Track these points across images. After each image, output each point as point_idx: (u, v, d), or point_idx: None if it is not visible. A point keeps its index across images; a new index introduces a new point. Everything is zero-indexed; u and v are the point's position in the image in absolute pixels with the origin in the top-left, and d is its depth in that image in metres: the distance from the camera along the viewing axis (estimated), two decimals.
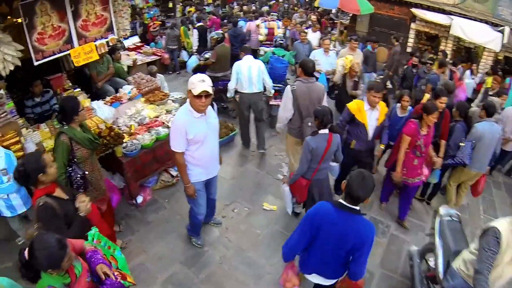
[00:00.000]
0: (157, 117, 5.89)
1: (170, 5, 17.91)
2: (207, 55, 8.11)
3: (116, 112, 5.99)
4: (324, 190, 4.51)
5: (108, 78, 7.23)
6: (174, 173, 5.93)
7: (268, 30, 11.53)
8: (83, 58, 5.69)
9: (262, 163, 6.82)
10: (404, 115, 5.69)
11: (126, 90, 6.41)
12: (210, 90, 3.51)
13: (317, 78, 6.42)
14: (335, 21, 16.18)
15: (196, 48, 10.35)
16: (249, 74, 6.32)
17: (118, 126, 5.56)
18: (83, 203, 3.17)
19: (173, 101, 6.91)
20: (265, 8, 19.10)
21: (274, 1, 21.08)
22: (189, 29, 11.69)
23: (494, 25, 10.59)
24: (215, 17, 13.70)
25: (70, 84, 6.58)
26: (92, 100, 6.17)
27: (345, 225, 2.73)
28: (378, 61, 12.30)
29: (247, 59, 6.37)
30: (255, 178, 6.37)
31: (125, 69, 9.63)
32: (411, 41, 13.23)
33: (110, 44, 6.85)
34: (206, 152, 3.99)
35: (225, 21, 12.36)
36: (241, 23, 12.02)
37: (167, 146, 4.53)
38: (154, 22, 15.40)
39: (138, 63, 10.48)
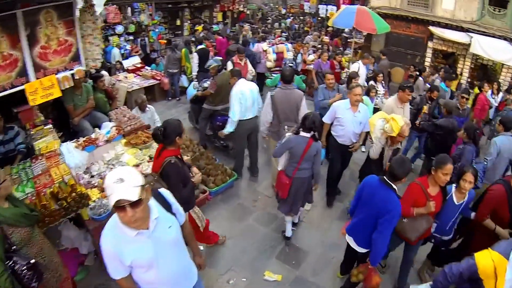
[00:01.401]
0: (138, 165, 5.03)
1: (178, 22, 17.27)
2: (206, 84, 7.18)
3: (91, 157, 5.15)
4: (303, 190, 4.78)
5: (87, 113, 6.23)
6: None
7: (276, 55, 10.33)
8: (41, 95, 4.78)
9: (266, 217, 5.74)
10: (461, 202, 3.99)
11: (104, 130, 5.60)
12: (135, 196, 2.09)
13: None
14: (349, 41, 15.56)
15: (195, 74, 9.44)
16: (252, 99, 5.96)
17: (92, 176, 4.79)
18: (198, 173, 4.09)
19: None
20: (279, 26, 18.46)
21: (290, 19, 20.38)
22: (190, 52, 10.63)
23: None
24: (220, 37, 12.89)
25: (42, 118, 5.75)
26: (69, 139, 5.43)
27: (379, 194, 3.42)
28: (393, 82, 11.58)
29: (243, 83, 5.93)
30: (257, 237, 5.31)
31: (123, 95, 9.08)
32: (428, 60, 12.50)
33: (93, 71, 6.15)
34: (162, 275, 2.48)
35: (231, 41, 11.69)
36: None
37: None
38: (160, 40, 14.93)
39: (133, 89, 9.82)
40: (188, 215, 3.97)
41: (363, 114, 5.37)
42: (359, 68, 8.97)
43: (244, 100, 5.80)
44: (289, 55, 10.32)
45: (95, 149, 5.24)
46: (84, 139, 5.29)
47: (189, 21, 17.55)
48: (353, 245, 3.84)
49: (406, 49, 12.96)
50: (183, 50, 10.61)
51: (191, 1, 17.22)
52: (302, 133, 4.41)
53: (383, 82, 8.19)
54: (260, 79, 9.94)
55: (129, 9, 13.76)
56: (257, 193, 6.31)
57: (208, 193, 5.69)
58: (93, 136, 5.41)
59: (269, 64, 10.24)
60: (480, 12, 11.12)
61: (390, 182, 3.36)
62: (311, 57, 10.97)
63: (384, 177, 3.43)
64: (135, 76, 10.89)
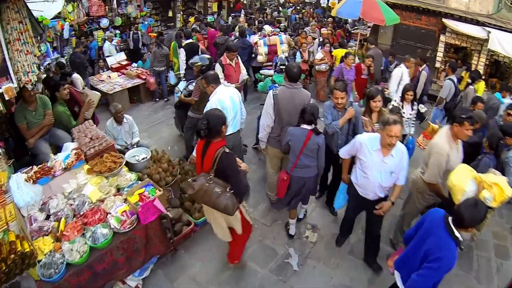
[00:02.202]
0: (102, 200, 4.05)
1: (170, 14, 16.12)
2: (192, 86, 6.10)
3: (47, 189, 4.20)
4: (304, 191, 4.50)
5: (44, 132, 5.12)
6: (133, 283, 4.07)
7: (268, 48, 9.11)
8: None
9: (263, 254, 4.74)
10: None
11: (64, 153, 4.60)
12: None
13: None
14: (352, 32, 14.51)
15: (183, 72, 8.40)
16: (234, 110, 4.87)
17: (48, 216, 3.84)
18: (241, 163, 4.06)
19: (130, 166, 4.97)
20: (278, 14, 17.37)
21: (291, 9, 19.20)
22: (180, 46, 9.21)
23: None
24: (213, 29, 11.80)
25: None
26: (25, 165, 4.46)
27: (436, 235, 2.86)
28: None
29: (222, 91, 4.79)
30: (253, 283, 4.34)
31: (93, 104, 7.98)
32: (440, 55, 11.40)
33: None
34: None
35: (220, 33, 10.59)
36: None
37: (114, 254, 3.64)
38: (149, 33, 13.84)
39: (115, 90, 8.82)
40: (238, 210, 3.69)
41: (397, 160, 3.73)
42: (403, 75, 7.60)
43: (227, 111, 4.64)
44: (282, 48, 9.11)
45: (52, 180, 4.29)
46: (37, 168, 4.29)
47: (181, 12, 16.38)
48: (399, 283, 3.23)
49: (416, 42, 11.87)
50: (172, 43, 9.54)
51: None
52: (303, 126, 4.21)
53: (414, 102, 6.04)
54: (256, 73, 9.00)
55: (114, 1, 12.60)
56: (252, 220, 5.30)
57: (194, 225, 4.75)
58: (49, 163, 4.42)
59: (260, 58, 9.15)
60: (497, 5, 10.13)
61: (454, 228, 2.78)
62: (319, 55, 9.57)
63: (450, 218, 2.85)
64: (119, 75, 9.90)
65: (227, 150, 3.38)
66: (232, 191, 3.40)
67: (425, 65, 8.60)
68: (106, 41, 11.69)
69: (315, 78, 10.02)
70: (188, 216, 4.82)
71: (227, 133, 4.68)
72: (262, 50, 9.09)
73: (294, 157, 4.26)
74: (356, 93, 7.86)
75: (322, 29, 11.72)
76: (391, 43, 12.39)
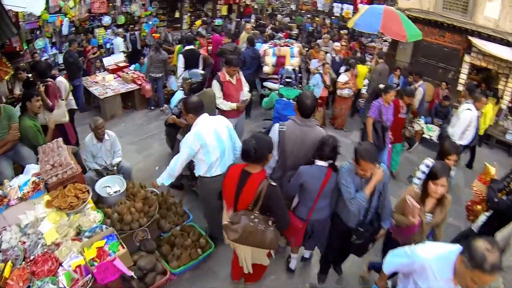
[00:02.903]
0: (58, 244, 3.23)
1: (177, 14, 15.38)
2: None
3: (1, 219, 3.45)
4: (322, 234, 3.84)
5: (7, 148, 4.42)
6: None
7: (277, 59, 8.24)
8: None
9: None
10: None
11: (25, 177, 3.82)
12: None
13: None
14: (367, 46, 13.67)
15: (181, 81, 7.37)
16: (220, 146, 3.83)
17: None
18: None
19: (104, 198, 4.25)
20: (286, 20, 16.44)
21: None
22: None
23: None
24: (217, 34, 10.87)
25: None
26: None
27: None
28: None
29: (206, 121, 3.82)
30: None
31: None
32: (463, 77, 10.38)
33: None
34: None
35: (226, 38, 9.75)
36: (258, 45, 9.19)
37: None
38: (153, 34, 13.06)
39: (107, 95, 8.04)
40: None
41: None
42: (471, 121, 5.94)
43: (207, 149, 3.76)
44: (292, 61, 8.17)
45: (7, 209, 3.52)
46: None
47: (189, 14, 15.62)
48: None
49: (438, 61, 10.95)
50: (177, 47, 8.89)
51: None
52: (318, 162, 3.49)
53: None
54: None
55: None
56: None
57: (170, 273, 3.91)
58: (2, 191, 3.63)
59: (266, 68, 8.31)
60: None
61: None
62: (343, 77, 8.23)
63: None
64: (115, 78, 9.14)
65: (273, 183, 3.06)
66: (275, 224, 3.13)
67: (421, 81, 8.41)
68: (118, 36, 11.20)
69: (334, 105, 8.79)
70: (164, 263, 3.98)
71: (214, 174, 3.91)
72: (270, 60, 8.27)
73: (311, 200, 3.56)
74: (390, 133, 6.34)
75: (335, 44, 10.19)
76: (410, 60, 11.50)
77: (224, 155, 3.89)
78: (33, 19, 9.73)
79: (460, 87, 10.19)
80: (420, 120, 8.53)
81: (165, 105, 5.63)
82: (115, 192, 4.26)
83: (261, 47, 8.71)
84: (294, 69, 6.04)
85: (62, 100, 5.93)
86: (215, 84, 5.59)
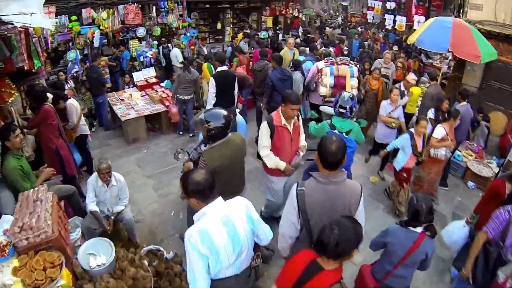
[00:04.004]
0: None
1: (219, 26, 14.56)
2: (203, 147, 3.84)
3: None
4: None
5: None
6: None
7: (335, 80, 6.98)
8: None
9: None
10: None
11: None
12: None
13: None
14: (426, 64, 12.11)
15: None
16: (235, 247, 2.47)
17: None
18: None
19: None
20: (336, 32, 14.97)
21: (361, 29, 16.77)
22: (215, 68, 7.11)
23: None
24: (258, 49, 9.77)
25: None
26: None
27: None
28: (492, 133, 8.17)
29: (217, 210, 2.43)
30: None
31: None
32: None
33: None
34: None
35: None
36: (308, 64, 7.99)
37: None
38: (191, 47, 12.17)
39: (129, 117, 7.17)
40: None
41: None
42: None
43: (217, 258, 2.38)
44: (352, 83, 6.96)
45: None
46: None
47: (231, 25, 14.72)
48: None
49: None
50: (205, 64, 7.80)
51: (234, 1, 14.38)
52: (411, 227, 3.07)
53: None
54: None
55: (154, 8, 11.16)
56: None
57: None
58: None
59: (323, 90, 7.02)
60: None
61: None
62: (440, 131, 5.59)
63: None
64: (142, 96, 8.27)
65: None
66: None
67: (464, 102, 6.51)
68: (175, 48, 10.82)
69: (421, 166, 5.87)
70: None
71: (224, 276, 2.55)
72: (327, 80, 6.99)
73: (391, 264, 3.16)
74: None
75: (410, 76, 7.44)
76: (479, 85, 9.79)
77: (241, 255, 2.57)
78: (66, 31, 9.24)
79: None
80: (491, 161, 7.02)
81: (179, 151, 4.21)
82: (99, 265, 3.18)
83: (311, 66, 7.53)
84: (352, 97, 4.69)
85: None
86: (264, 129, 4.18)
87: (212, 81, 6.19)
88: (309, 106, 7.74)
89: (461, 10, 10.40)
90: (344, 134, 4.35)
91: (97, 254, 3.27)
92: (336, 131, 4.40)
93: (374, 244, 3.31)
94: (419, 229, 3.06)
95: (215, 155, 3.41)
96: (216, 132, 3.41)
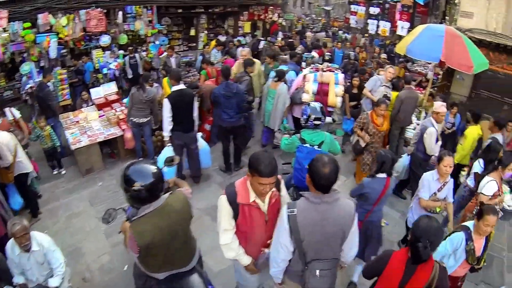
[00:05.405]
0: None
1: (193, 32, 13.62)
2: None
3: None
4: (375, 234, 4.14)
5: None
6: None
7: (319, 86, 6.63)
8: None
9: None
10: None
11: None
12: None
13: None
14: (412, 71, 11.44)
15: (168, 134, 5.59)
16: None
17: None
18: None
19: None
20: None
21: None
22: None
23: None
24: (232, 58, 8.93)
25: None
26: None
27: None
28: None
29: None
30: None
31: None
32: None
33: None
34: None
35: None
36: (291, 74, 7.44)
37: None
38: (161, 56, 11.19)
39: (80, 146, 6.28)
40: None
41: None
42: None
43: None
44: (336, 90, 6.60)
45: None
46: None
47: (206, 31, 13.78)
48: None
49: (504, 96, 8.75)
50: (164, 79, 7.01)
51: (209, 5, 13.46)
52: (379, 175, 3.96)
53: None
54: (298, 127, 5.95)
55: (120, 14, 10.15)
56: None
57: None
58: None
59: (305, 97, 6.63)
60: None
61: None
62: (492, 187, 4.39)
63: None
64: (100, 116, 7.34)
65: (443, 264, 2.75)
66: None
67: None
68: (165, 52, 10.32)
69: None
70: None
71: None
72: (310, 87, 6.66)
73: (369, 205, 4.01)
74: None
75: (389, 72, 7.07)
76: (469, 94, 9.27)
77: None
78: (19, 40, 8.23)
79: None
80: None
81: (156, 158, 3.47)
82: None
83: (294, 77, 7.19)
84: (322, 108, 4.38)
85: None
86: (222, 207, 2.84)
87: (166, 103, 5.36)
88: (292, 121, 7.15)
89: (446, 17, 9.89)
90: (316, 147, 4.22)
91: None
92: (307, 145, 4.25)
93: (354, 194, 4.12)
94: (384, 175, 3.92)
95: (146, 228, 2.54)
96: (143, 195, 2.51)
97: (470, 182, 5.07)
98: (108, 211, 3.00)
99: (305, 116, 4.32)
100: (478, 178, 4.80)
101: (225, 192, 2.83)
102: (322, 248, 2.64)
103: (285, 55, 8.75)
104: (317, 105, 4.39)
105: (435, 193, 4.29)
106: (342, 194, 2.62)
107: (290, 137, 4.52)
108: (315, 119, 4.26)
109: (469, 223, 3.56)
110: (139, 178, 2.45)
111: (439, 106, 5.56)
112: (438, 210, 4.39)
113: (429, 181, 4.27)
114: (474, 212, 4.44)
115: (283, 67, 7.42)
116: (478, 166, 5.04)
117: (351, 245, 2.73)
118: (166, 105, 5.32)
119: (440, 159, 4.18)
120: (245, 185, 2.80)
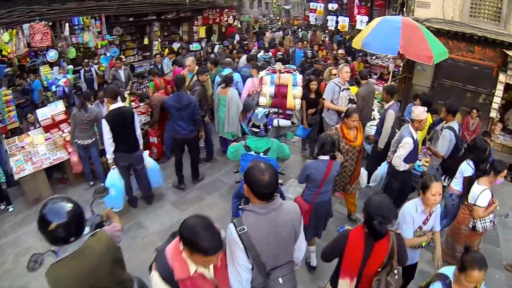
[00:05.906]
0: None
1: (146, 41, 13.10)
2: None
3: None
4: (325, 212, 4.39)
5: None
6: None
7: (276, 89, 6.33)
8: None
9: None
10: None
11: None
12: None
13: None
14: (372, 64, 11.37)
15: (111, 156, 5.13)
16: None
17: None
18: None
19: None
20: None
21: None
22: (123, 99, 6.37)
23: None
24: (180, 68, 8.32)
25: None
26: None
27: None
28: None
29: None
30: None
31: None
32: (497, 100, 7.90)
33: None
34: None
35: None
36: (236, 76, 7.08)
37: None
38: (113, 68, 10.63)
39: (24, 175, 5.76)
40: None
41: None
42: None
43: None
44: (294, 92, 6.29)
45: None
46: None
47: (160, 39, 13.29)
48: None
49: (466, 84, 8.68)
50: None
51: (162, 12, 12.98)
52: (321, 157, 4.12)
53: None
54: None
55: (66, 27, 9.52)
56: None
57: None
58: None
59: (262, 100, 6.37)
60: None
61: None
62: (486, 196, 4.12)
63: None
64: (47, 139, 6.79)
65: (397, 231, 3.04)
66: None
67: (392, 101, 5.98)
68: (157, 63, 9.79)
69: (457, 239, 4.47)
70: None
71: None
72: (267, 90, 6.36)
73: (315, 187, 4.19)
74: None
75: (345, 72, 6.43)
76: (431, 84, 9.21)
77: None
78: None
79: (493, 114, 7.85)
80: None
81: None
82: None
83: (249, 82, 6.73)
84: (267, 113, 4.20)
85: None
86: (155, 281, 2.18)
87: (104, 124, 4.93)
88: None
89: (404, 9, 9.84)
90: (261, 154, 4.09)
91: None
92: (252, 152, 4.12)
93: (301, 179, 4.28)
94: (327, 157, 4.06)
95: (63, 273, 2.24)
96: (61, 234, 2.23)
97: (458, 187, 4.76)
98: (34, 256, 2.58)
99: (247, 120, 4.26)
100: (467, 181, 4.57)
101: (155, 268, 2.19)
102: (279, 254, 2.59)
103: (239, 57, 8.46)
104: (263, 110, 4.21)
105: (420, 227, 3.54)
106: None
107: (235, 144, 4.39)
108: (253, 125, 4.13)
109: (449, 270, 2.80)
110: (54, 217, 2.21)
111: (420, 112, 4.77)
112: (424, 244, 3.63)
113: (412, 216, 3.44)
114: (470, 226, 4.17)
115: (226, 70, 7.21)
116: (469, 168, 4.65)
117: (301, 241, 2.74)
118: (105, 126, 4.90)
119: (426, 186, 3.35)
120: (179, 257, 2.18)
